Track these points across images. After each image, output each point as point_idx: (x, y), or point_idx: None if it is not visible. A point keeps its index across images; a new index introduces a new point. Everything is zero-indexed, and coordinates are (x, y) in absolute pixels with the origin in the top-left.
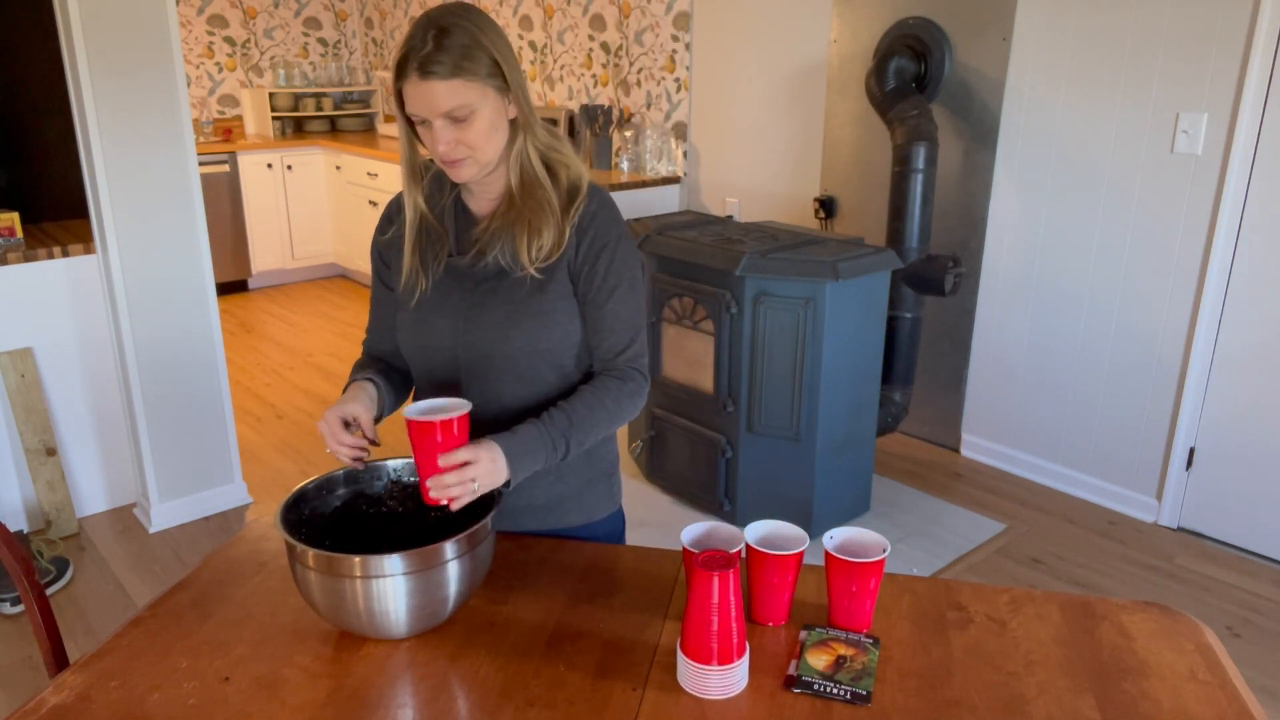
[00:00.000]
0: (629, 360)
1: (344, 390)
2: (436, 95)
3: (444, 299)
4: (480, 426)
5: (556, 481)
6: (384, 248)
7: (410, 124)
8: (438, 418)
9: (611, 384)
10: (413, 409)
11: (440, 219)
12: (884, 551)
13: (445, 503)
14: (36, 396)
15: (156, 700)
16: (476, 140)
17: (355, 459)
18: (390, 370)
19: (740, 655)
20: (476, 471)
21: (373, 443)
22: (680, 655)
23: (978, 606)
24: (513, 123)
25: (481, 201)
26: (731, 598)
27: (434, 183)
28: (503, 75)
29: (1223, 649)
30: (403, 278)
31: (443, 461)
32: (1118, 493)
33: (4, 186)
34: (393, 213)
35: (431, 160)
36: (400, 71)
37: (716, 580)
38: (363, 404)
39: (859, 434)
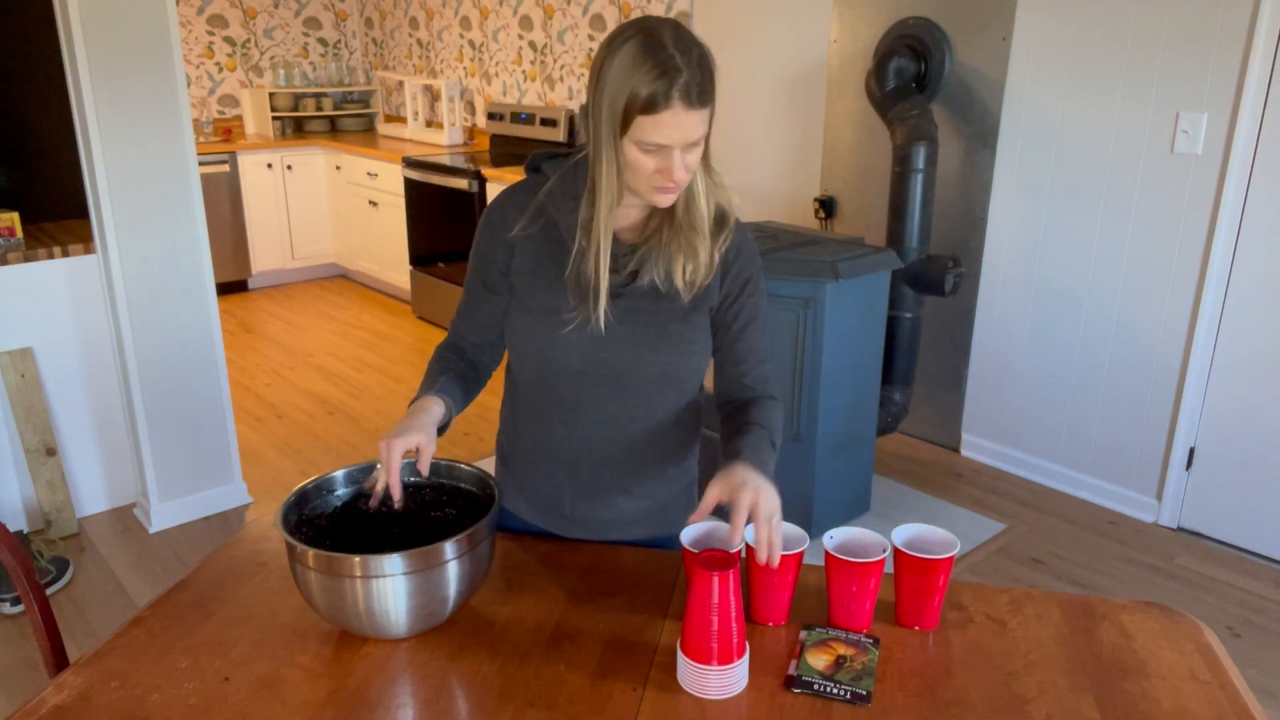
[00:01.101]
0: (770, 386)
1: (419, 392)
2: (697, 123)
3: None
4: (594, 438)
5: (645, 498)
6: (503, 246)
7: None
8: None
9: (780, 408)
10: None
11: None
12: (884, 551)
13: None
14: (36, 396)
15: (156, 700)
16: (697, 164)
17: (383, 497)
18: (468, 370)
19: (740, 655)
20: (774, 516)
21: (421, 477)
22: (680, 655)
23: (978, 606)
24: None
25: (621, 214)
26: (731, 598)
27: (565, 200)
28: (713, 99)
29: (1223, 649)
30: (532, 289)
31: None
32: (1118, 493)
33: (4, 186)
34: (512, 213)
35: (536, 168)
36: (653, 103)
37: (716, 580)
38: (427, 433)
39: (859, 434)
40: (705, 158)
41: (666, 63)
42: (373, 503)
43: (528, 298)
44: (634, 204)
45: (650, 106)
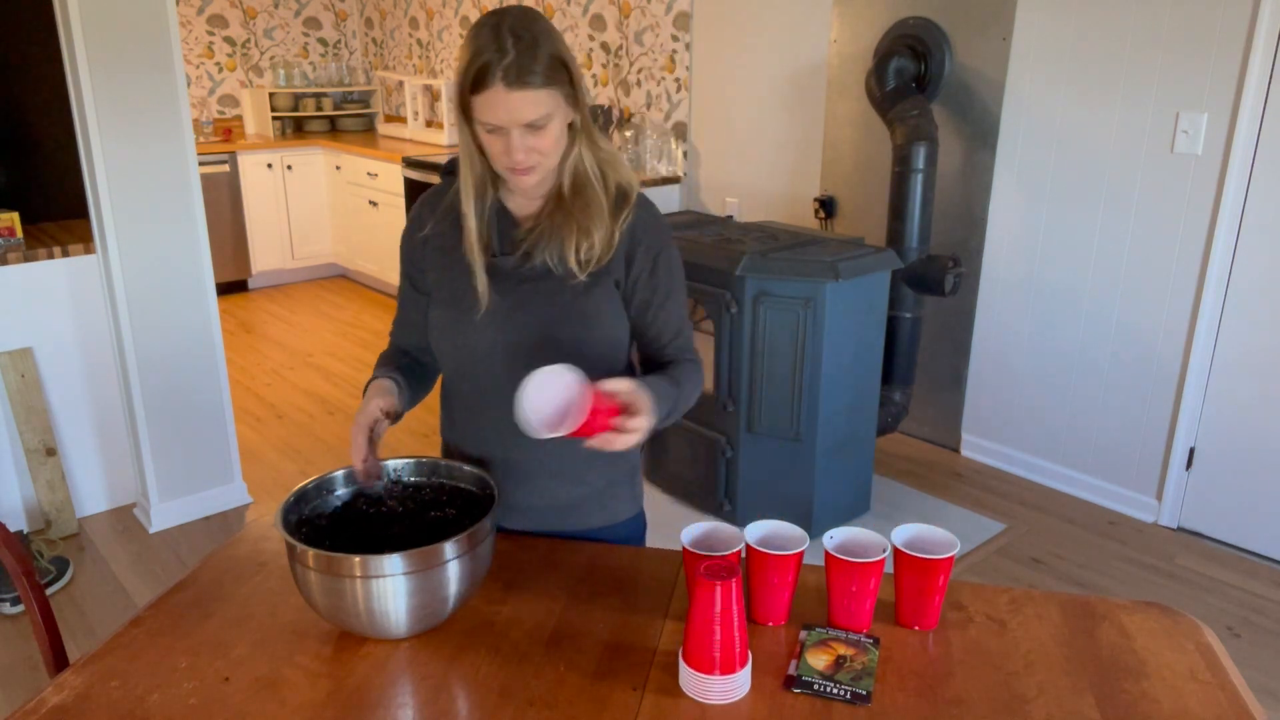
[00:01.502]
0: (691, 352)
1: (366, 386)
2: (523, 105)
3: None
4: (511, 430)
5: (578, 484)
6: (419, 246)
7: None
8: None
9: (690, 366)
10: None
11: (480, 220)
12: (884, 551)
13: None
14: (36, 396)
15: (156, 700)
16: (549, 147)
17: (370, 476)
18: (414, 365)
19: (743, 665)
20: (640, 424)
21: (396, 417)
22: (682, 664)
23: (978, 606)
24: (569, 126)
25: (524, 202)
26: (734, 607)
27: (475, 185)
28: (571, 80)
29: (1223, 649)
30: (445, 284)
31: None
32: (1118, 493)
33: (4, 186)
34: (425, 213)
35: (449, 171)
36: (478, 82)
37: (719, 590)
38: (383, 399)
39: (859, 434)
40: (589, 139)
41: (492, 45)
42: (365, 481)
43: (438, 291)
44: (529, 195)
45: (476, 86)
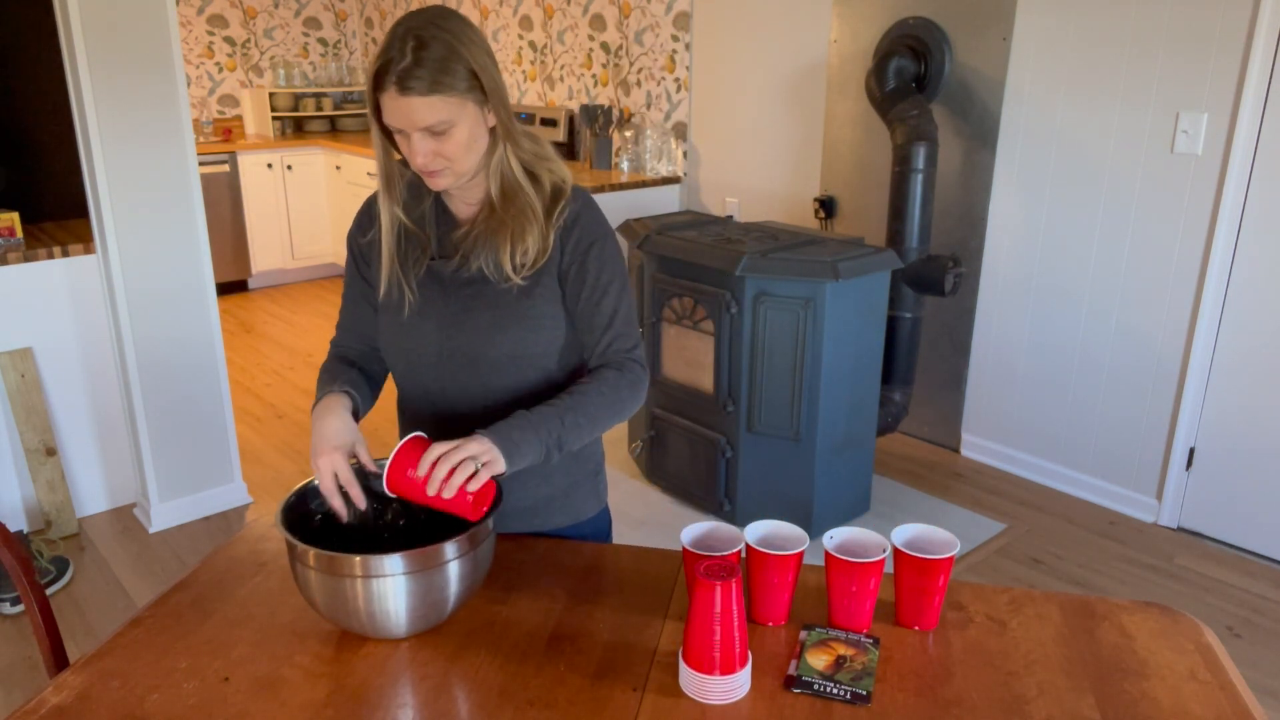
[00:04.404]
0: (627, 352)
1: (316, 401)
2: (415, 110)
3: (427, 303)
4: (468, 424)
5: (542, 484)
6: (365, 248)
7: (386, 132)
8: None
9: (609, 374)
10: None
11: (420, 223)
12: (884, 551)
13: (460, 512)
14: (36, 396)
15: (156, 700)
16: (455, 152)
17: (358, 510)
18: (362, 377)
19: (743, 665)
20: (467, 450)
21: (375, 474)
22: (682, 664)
23: (978, 606)
24: (492, 131)
25: (462, 205)
26: (734, 607)
27: (412, 186)
28: (481, 87)
29: (1223, 649)
30: (383, 286)
31: (425, 459)
32: (1118, 493)
33: (4, 186)
34: (375, 211)
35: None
36: (378, 83)
37: (719, 590)
38: (346, 435)
39: (859, 434)
40: (513, 141)
41: (389, 49)
42: (345, 519)
43: (384, 299)
44: (465, 198)
45: (376, 88)
